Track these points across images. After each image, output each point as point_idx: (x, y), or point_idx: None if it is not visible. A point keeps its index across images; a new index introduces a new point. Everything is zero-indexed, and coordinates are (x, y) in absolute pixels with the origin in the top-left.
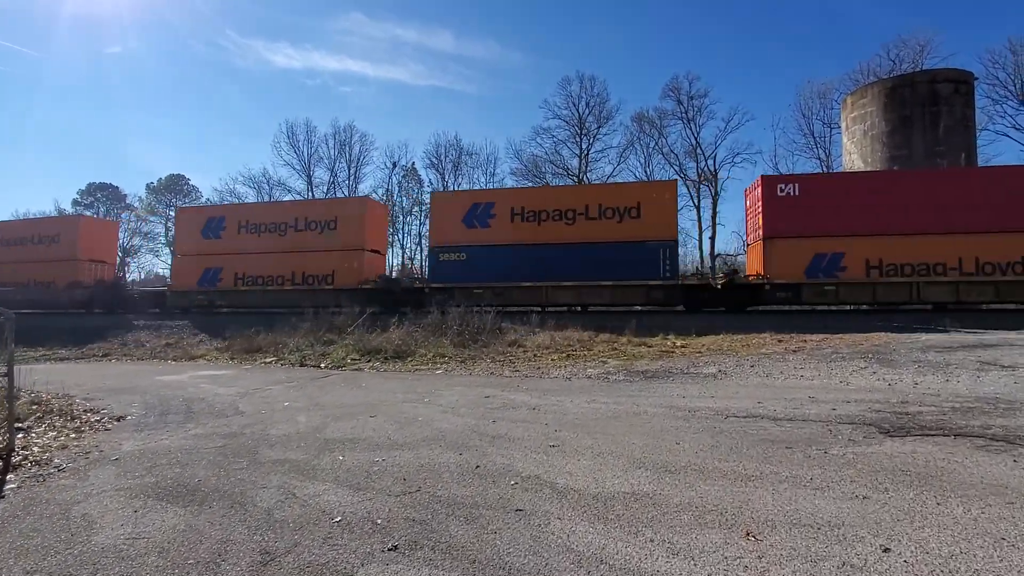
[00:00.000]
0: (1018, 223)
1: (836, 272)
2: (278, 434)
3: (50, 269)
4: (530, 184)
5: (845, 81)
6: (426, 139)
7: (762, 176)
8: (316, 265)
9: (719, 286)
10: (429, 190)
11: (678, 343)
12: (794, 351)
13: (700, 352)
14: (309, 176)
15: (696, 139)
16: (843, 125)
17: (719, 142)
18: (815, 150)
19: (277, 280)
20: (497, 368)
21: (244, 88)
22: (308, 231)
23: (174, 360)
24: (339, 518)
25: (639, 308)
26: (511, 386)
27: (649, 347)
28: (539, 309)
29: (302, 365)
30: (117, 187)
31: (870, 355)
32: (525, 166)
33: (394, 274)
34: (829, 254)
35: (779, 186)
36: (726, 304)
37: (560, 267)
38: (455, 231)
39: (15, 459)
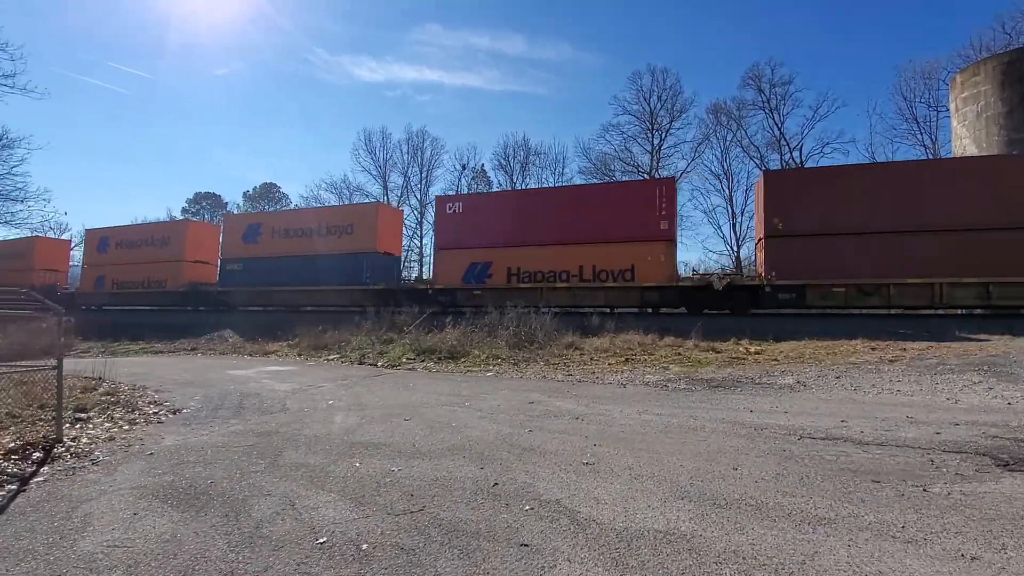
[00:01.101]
0: (628, 235)
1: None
2: (309, 435)
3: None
4: (596, 180)
5: (954, 59)
6: (496, 141)
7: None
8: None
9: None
10: (498, 191)
11: (751, 348)
12: (891, 360)
13: (776, 359)
14: (384, 181)
15: (780, 129)
16: (952, 107)
17: (806, 132)
18: (919, 136)
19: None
20: (550, 372)
21: (330, 101)
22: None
23: (250, 355)
24: (324, 539)
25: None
26: (559, 392)
27: (717, 352)
28: (597, 310)
29: (361, 363)
30: (219, 195)
31: (984, 367)
32: (593, 164)
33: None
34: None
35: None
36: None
37: (302, 274)
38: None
39: (59, 450)
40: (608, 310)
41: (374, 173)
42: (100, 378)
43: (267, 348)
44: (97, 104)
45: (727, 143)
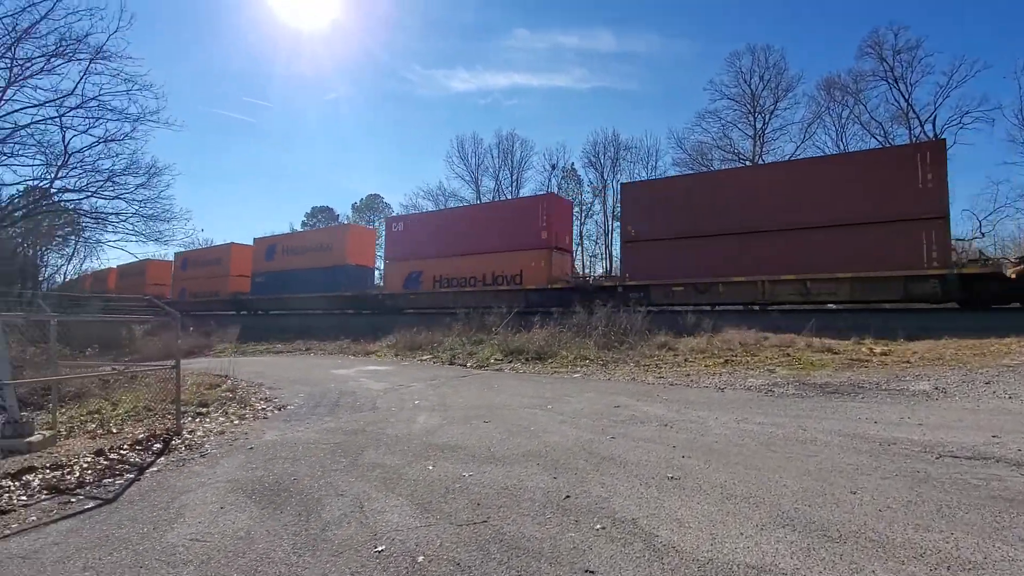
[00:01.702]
0: (515, 245)
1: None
2: (392, 434)
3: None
4: (691, 171)
5: None
6: (585, 139)
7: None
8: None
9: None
10: (588, 188)
11: (876, 349)
12: None
13: (908, 361)
14: (477, 185)
15: (907, 101)
16: None
17: (939, 101)
18: None
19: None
20: (640, 373)
21: (427, 113)
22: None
23: (354, 355)
24: (383, 547)
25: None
26: (648, 395)
27: (835, 353)
28: (693, 309)
29: (451, 363)
30: (331, 208)
31: None
32: (689, 155)
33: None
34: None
35: None
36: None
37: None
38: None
39: (176, 442)
40: (505, 309)
41: (467, 178)
42: (225, 376)
43: (368, 348)
44: (227, 132)
45: (843, 121)
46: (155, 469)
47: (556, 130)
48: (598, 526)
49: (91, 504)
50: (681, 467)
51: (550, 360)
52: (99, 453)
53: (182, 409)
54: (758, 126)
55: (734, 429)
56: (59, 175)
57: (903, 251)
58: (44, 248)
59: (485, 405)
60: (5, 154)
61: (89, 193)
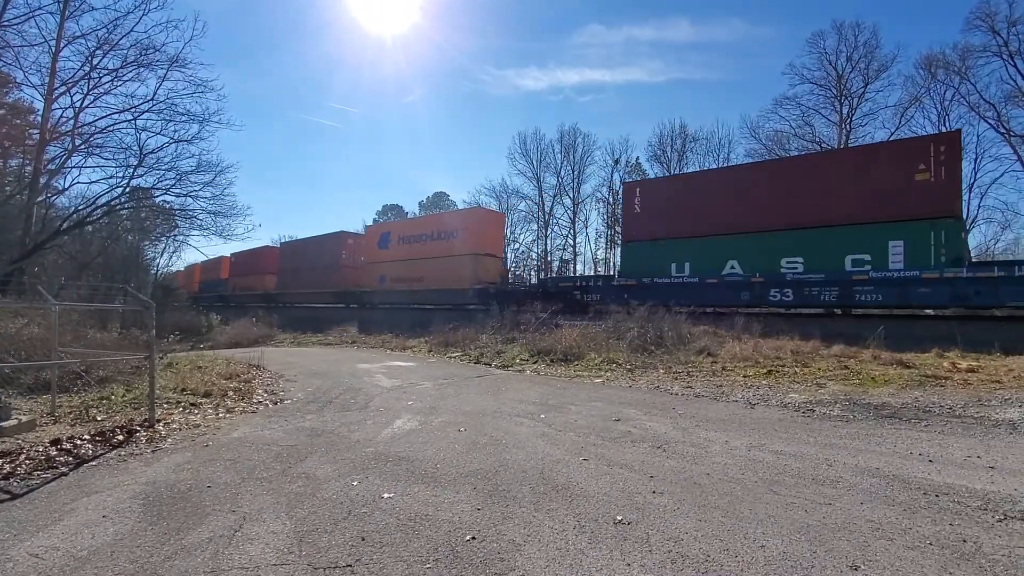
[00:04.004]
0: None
1: None
2: (354, 439)
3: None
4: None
5: None
6: (651, 131)
7: None
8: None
9: None
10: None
11: (961, 364)
12: None
13: (998, 381)
14: (539, 182)
15: None
16: None
17: None
18: None
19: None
20: (667, 382)
21: (498, 112)
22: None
23: (391, 350)
24: None
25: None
26: (662, 408)
27: (907, 367)
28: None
29: (477, 362)
30: (400, 206)
31: None
32: (764, 144)
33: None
34: None
35: None
36: None
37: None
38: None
39: (141, 434)
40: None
41: (528, 175)
42: (257, 366)
43: (406, 344)
44: (314, 136)
45: (946, 102)
46: (93, 464)
47: (627, 125)
48: None
49: None
50: (643, 507)
51: (576, 362)
52: (55, 442)
53: (177, 399)
54: (844, 111)
55: (740, 458)
56: (136, 174)
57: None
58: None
59: (475, 411)
60: (90, 155)
61: (163, 191)
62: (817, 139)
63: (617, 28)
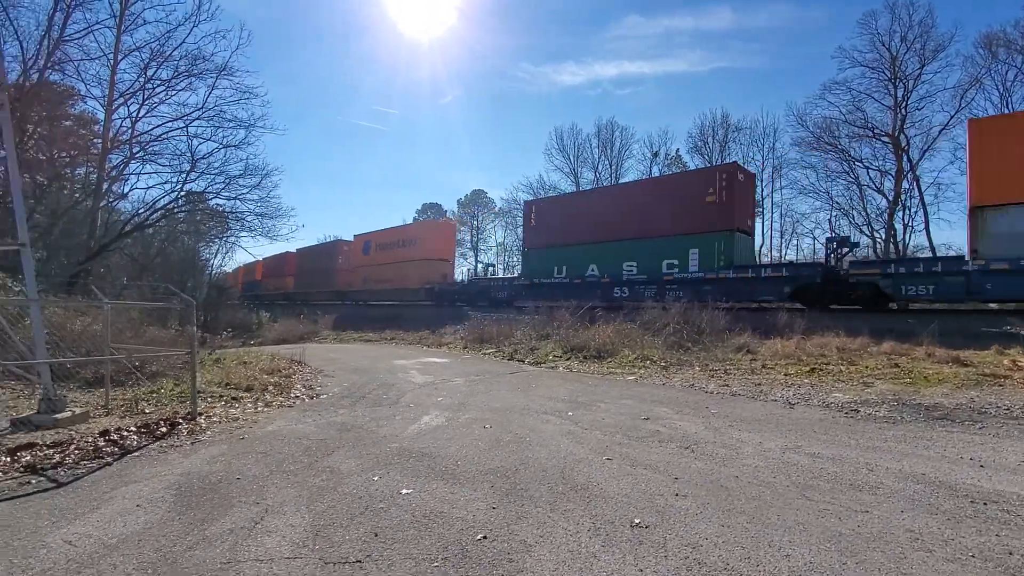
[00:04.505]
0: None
1: None
2: (382, 434)
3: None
4: (815, 150)
5: None
6: (692, 123)
7: None
8: None
9: None
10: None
11: (1023, 362)
12: None
13: None
14: (576, 177)
15: None
16: None
17: None
18: None
19: None
20: (702, 379)
21: (534, 109)
22: None
23: (427, 346)
24: None
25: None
26: (695, 407)
27: (964, 365)
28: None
29: (511, 359)
30: (439, 204)
31: None
32: (812, 132)
33: None
34: None
35: None
36: None
37: None
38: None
39: (183, 426)
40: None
41: (565, 171)
42: (299, 361)
43: (442, 340)
44: (351, 137)
45: (1008, 83)
46: (136, 454)
47: (666, 117)
48: None
49: (42, 487)
50: (663, 510)
51: (609, 359)
52: (104, 433)
53: (220, 393)
54: (898, 95)
55: (773, 460)
56: (188, 179)
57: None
58: (198, 243)
59: (503, 408)
60: (147, 161)
61: (214, 194)
62: (869, 124)
63: (656, 19)
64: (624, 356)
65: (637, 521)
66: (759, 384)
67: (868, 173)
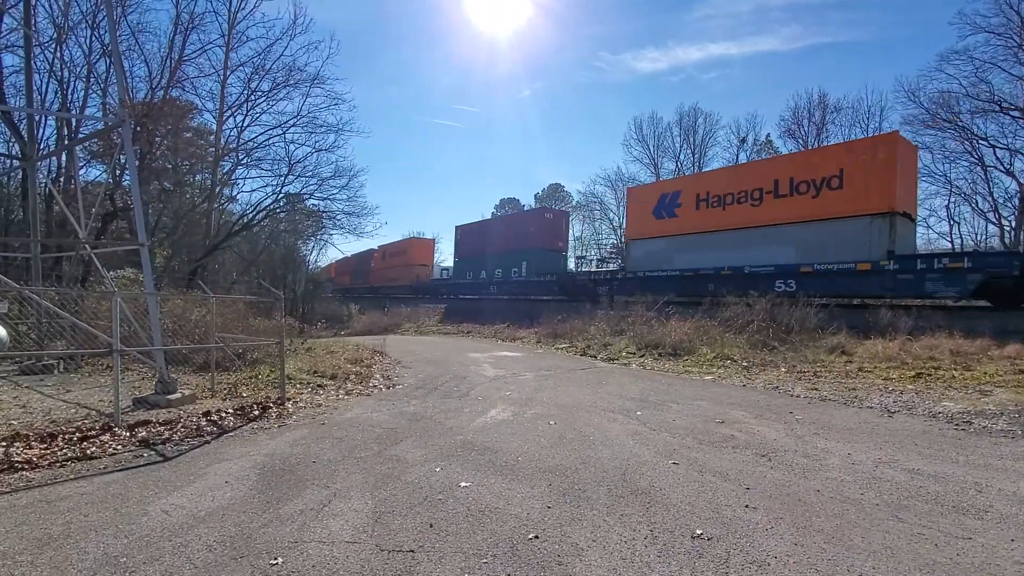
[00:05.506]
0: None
1: None
2: (448, 425)
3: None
4: (930, 127)
5: None
6: (784, 105)
7: None
8: None
9: None
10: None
11: None
12: None
13: None
14: (656, 167)
15: None
16: None
17: None
18: None
19: None
20: (788, 382)
21: (615, 99)
22: None
23: (501, 340)
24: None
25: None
26: (778, 411)
27: None
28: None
29: (583, 354)
30: (517, 199)
31: None
32: (927, 109)
33: None
34: None
35: None
36: None
37: None
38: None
39: (273, 410)
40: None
41: (645, 161)
42: (380, 352)
43: (516, 334)
44: (429, 135)
45: None
46: (232, 434)
47: (755, 101)
48: None
49: (152, 460)
50: (729, 522)
51: (686, 357)
52: (206, 414)
53: (308, 380)
54: None
55: (863, 475)
56: (286, 182)
57: None
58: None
59: (570, 404)
60: (251, 167)
61: (308, 195)
62: (996, 98)
63: None
64: (702, 354)
65: (699, 532)
66: (853, 389)
67: (995, 152)
